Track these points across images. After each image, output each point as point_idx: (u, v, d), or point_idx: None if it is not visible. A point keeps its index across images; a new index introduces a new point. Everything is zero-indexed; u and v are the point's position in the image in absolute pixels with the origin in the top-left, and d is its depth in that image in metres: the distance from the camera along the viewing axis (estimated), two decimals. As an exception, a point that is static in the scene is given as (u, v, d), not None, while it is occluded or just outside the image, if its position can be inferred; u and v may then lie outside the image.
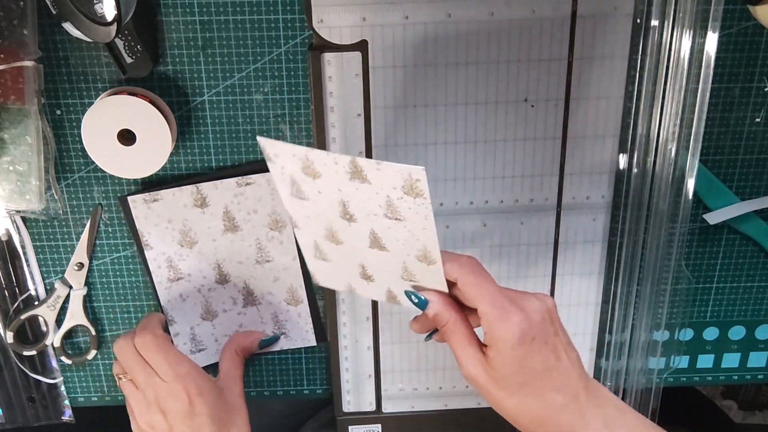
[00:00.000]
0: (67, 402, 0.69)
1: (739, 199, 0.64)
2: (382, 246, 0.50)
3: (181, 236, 0.63)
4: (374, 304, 0.66)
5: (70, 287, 0.65)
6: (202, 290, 0.65)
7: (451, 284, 0.51)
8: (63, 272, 0.64)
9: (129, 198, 0.61)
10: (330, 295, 0.65)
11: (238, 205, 0.62)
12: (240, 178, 0.61)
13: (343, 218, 0.49)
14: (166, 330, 0.66)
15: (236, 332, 0.67)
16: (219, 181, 0.61)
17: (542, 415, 0.50)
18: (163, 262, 0.63)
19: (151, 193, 0.61)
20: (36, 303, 0.65)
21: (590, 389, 0.51)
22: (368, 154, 0.60)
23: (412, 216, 0.46)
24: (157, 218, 0.62)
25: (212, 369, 0.69)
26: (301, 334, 0.68)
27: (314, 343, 0.68)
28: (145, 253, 0.63)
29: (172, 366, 0.58)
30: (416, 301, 0.51)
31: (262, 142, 0.48)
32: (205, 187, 0.61)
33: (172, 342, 0.62)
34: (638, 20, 0.57)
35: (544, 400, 0.49)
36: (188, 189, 0.61)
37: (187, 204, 0.61)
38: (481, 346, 0.50)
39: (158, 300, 0.65)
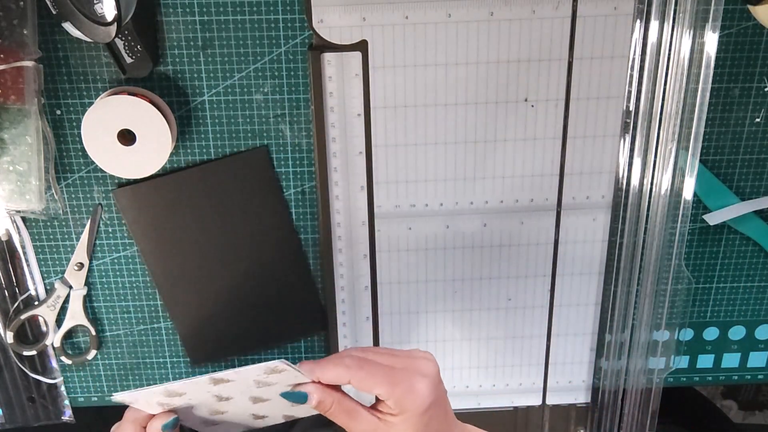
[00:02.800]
0: (67, 402, 0.69)
1: (739, 199, 0.64)
2: (262, 399, 0.53)
3: None
4: (374, 304, 0.66)
5: (70, 287, 0.65)
6: None
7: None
8: (63, 272, 0.64)
9: (120, 191, 0.61)
10: (330, 293, 0.65)
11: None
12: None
13: (220, 401, 0.53)
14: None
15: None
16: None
17: None
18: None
19: (140, 183, 0.61)
20: (36, 303, 0.65)
21: (461, 428, 0.53)
22: (368, 154, 0.60)
23: (282, 377, 0.50)
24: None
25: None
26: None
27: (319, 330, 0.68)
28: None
29: None
30: (296, 398, 0.51)
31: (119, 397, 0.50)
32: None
33: None
34: (638, 20, 0.57)
35: None
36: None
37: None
38: (372, 411, 0.50)
39: (158, 300, 0.65)
